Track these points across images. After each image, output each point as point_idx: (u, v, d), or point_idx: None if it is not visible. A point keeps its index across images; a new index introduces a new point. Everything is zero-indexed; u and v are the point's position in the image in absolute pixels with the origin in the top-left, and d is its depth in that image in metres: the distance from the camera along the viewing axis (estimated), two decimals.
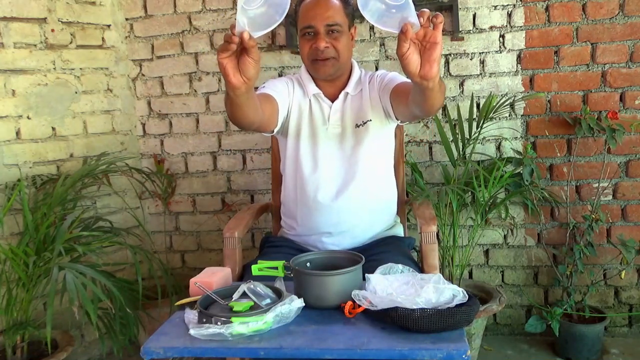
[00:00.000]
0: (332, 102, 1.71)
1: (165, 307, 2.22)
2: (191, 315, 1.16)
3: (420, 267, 1.66)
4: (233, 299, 1.19)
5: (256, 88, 1.56)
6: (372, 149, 1.70)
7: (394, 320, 1.09)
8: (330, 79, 1.70)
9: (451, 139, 2.28)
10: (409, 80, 1.55)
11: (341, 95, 1.71)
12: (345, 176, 1.68)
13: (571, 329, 2.22)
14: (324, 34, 1.60)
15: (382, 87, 1.68)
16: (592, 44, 2.28)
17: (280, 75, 2.51)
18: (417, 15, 1.01)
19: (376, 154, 1.72)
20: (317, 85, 1.72)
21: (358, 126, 1.69)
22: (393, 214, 1.81)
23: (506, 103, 2.22)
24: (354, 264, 1.24)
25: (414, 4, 1.01)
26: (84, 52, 2.44)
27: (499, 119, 2.37)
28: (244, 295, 1.19)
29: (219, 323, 1.08)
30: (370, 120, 1.68)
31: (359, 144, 1.68)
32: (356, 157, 1.68)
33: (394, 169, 1.83)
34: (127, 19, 2.60)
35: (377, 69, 2.42)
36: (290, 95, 1.73)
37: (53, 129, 2.36)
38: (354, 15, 1.69)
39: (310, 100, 1.72)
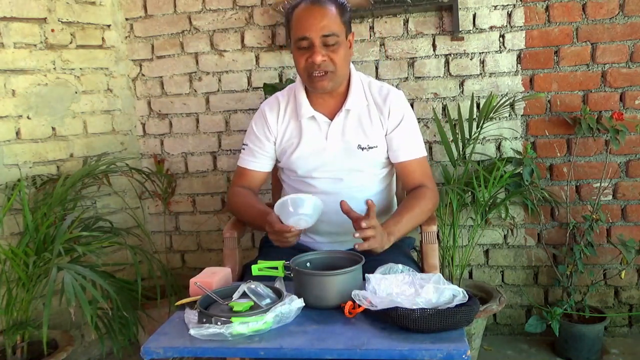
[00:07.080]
0: (331, 119, 1.62)
1: (164, 307, 2.22)
2: (191, 315, 1.16)
3: (420, 267, 1.66)
4: (233, 299, 1.19)
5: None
6: (375, 167, 1.65)
7: (394, 320, 1.09)
8: (328, 92, 1.60)
9: (451, 139, 2.28)
10: (411, 159, 1.65)
11: (341, 113, 1.61)
12: (345, 190, 1.61)
13: (571, 329, 2.22)
14: (319, 46, 1.48)
15: (392, 145, 1.62)
16: (592, 44, 2.28)
17: (280, 75, 2.51)
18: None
19: (379, 170, 1.67)
20: (312, 103, 1.63)
21: (363, 149, 1.60)
22: None
23: (506, 103, 2.22)
24: (354, 264, 1.24)
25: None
26: (84, 52, 2.44)
27: (499, 119, 2.37)
28: (244, 295, 1.19)
29: (219, 323, 1.08)
30: (377, 147, 1.62)
31: (361, 164, 1.62)
32: (357, 174, 1.63)
33: (395, 171, 1.82)
34: (127, 19, 2.60)
35: (377, 69, 2.42)
36: (273, 134, 1.68)
37: (53, 129, 2.35)
38: (351, 21, 1.61)
39: (301, 121, 1.64)
